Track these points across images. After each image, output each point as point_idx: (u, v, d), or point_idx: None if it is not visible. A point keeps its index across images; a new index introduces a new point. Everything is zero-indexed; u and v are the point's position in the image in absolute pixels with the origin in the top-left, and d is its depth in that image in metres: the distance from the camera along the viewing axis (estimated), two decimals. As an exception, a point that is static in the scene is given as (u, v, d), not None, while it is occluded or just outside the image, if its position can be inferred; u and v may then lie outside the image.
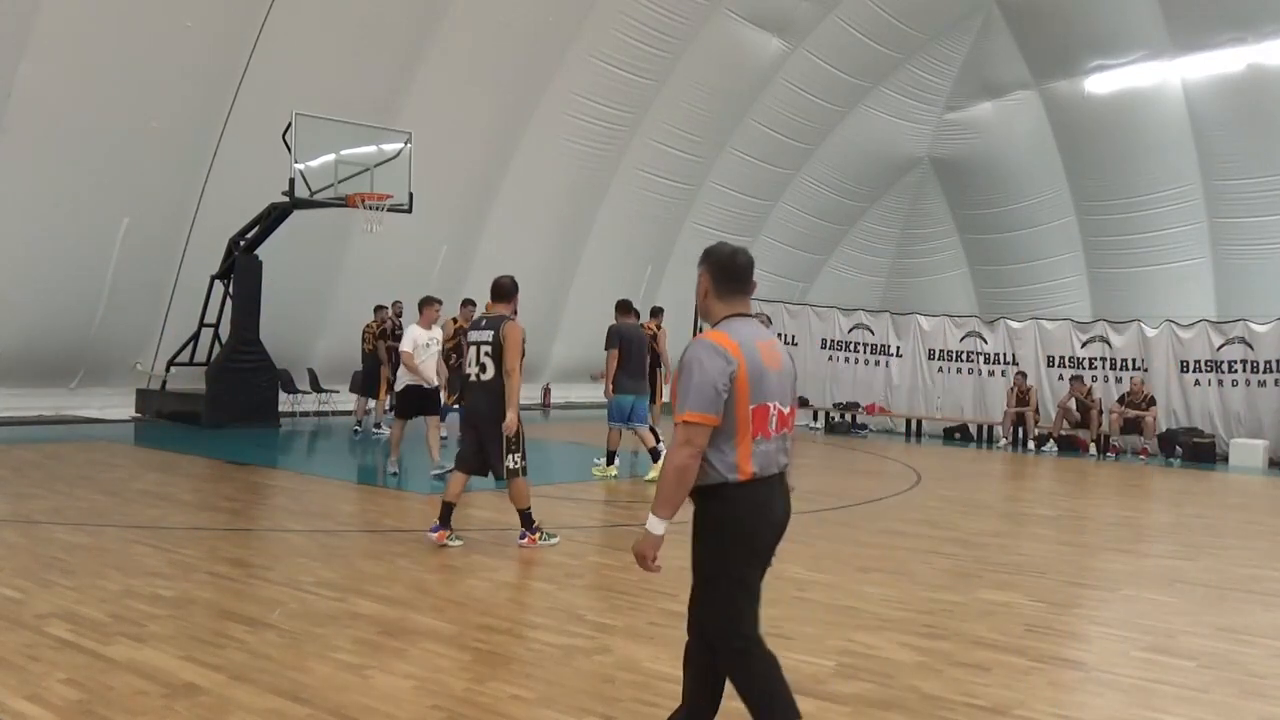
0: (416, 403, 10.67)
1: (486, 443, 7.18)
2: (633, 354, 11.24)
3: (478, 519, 8.58)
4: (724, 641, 3.43)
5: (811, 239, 24.64)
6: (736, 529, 3.35)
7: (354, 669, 4.58)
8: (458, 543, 7.30)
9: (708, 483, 3.34)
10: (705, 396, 3.26)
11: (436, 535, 7.29)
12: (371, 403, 15.16)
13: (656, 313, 14.76)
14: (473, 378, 7.22)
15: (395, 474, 10.67)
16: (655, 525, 3.32)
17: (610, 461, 11.41)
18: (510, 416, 7.03)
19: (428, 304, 10.93)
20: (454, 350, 12.35)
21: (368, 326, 15.17)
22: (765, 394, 3.38)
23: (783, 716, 3.41)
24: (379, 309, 15.38)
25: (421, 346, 10.57)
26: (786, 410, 3.49)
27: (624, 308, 11.50)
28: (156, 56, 13.42)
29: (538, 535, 7.43)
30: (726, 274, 3.52)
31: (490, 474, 7.34)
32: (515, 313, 7.44)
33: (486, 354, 7.14)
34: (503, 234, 18.41)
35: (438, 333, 10.98)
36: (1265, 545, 9.14)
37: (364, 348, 15.19)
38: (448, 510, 7.25)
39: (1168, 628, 5.92)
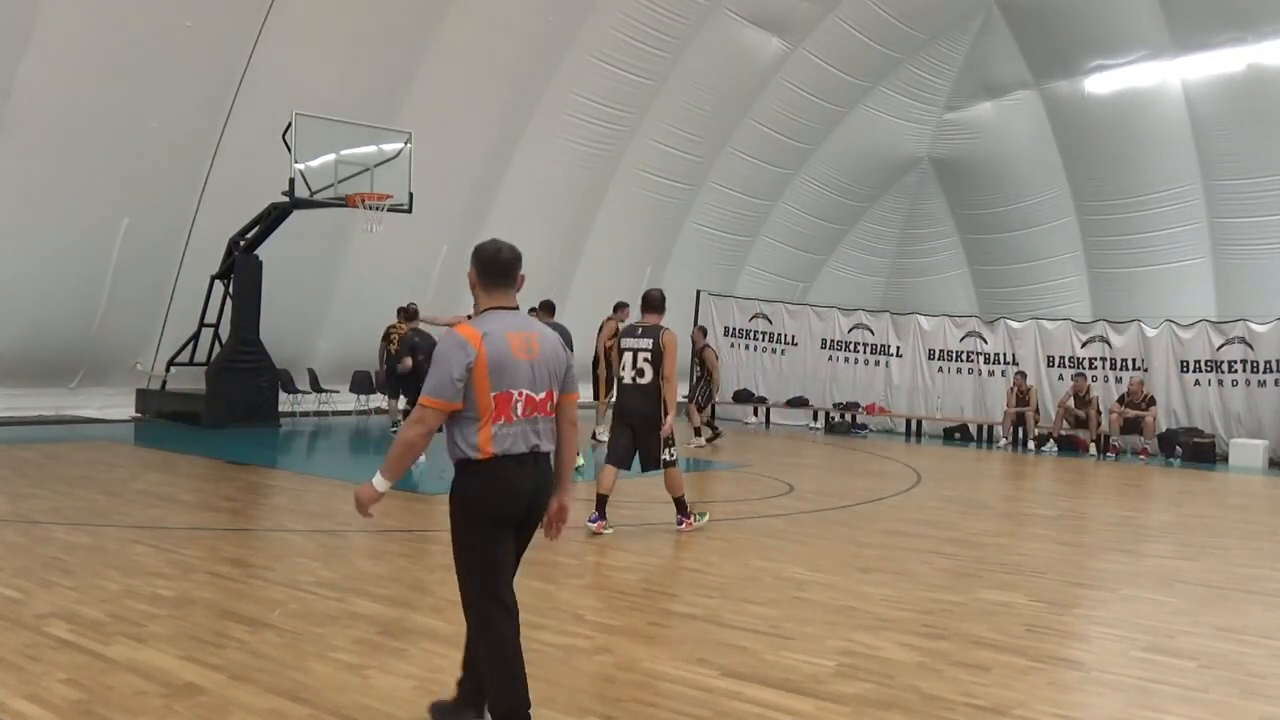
0: None
1: (641, 439, 7.87)
2: None
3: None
4: (464, 598, 3.79)
5: (811, 239, 24.63)
6: (478, 500, 3.71)
7: (354, 669, 4.58)
8: (610, 531, 7.87)
9: (457, 459, 3.73)
10: (442, 384, 3.63)
11: (596, 525, 7.84)
12: (390, 402, 14.99)
13: (616, 308, 14.95)
14: (628, 380, 7.89)
15: None
16: (379, 483, 3.77)
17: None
18: (669, 420, 7.74)
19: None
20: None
21: (396, 328, 14.77)
22: (509, 383, 3.70)
23: (500, 689, 3.72)
24: (406, 311, 15.03)
25: None
26: (540, 396, 3.79)
27: (546, 308, 12.52)
28: (156, 56, 13.41)
29: (693, 518, 8.13)
30: (489, 269, 3.84)
31: (641, 466, 8.04)
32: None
33: (645, 359, 7.81)
34: (503, 234, 17.90)
35: None
36: (1265, 545, 9.14)
37: (390, 349, 14.84)
38: (603, 501, 7.89)
39: (1168, 628, 5.92)
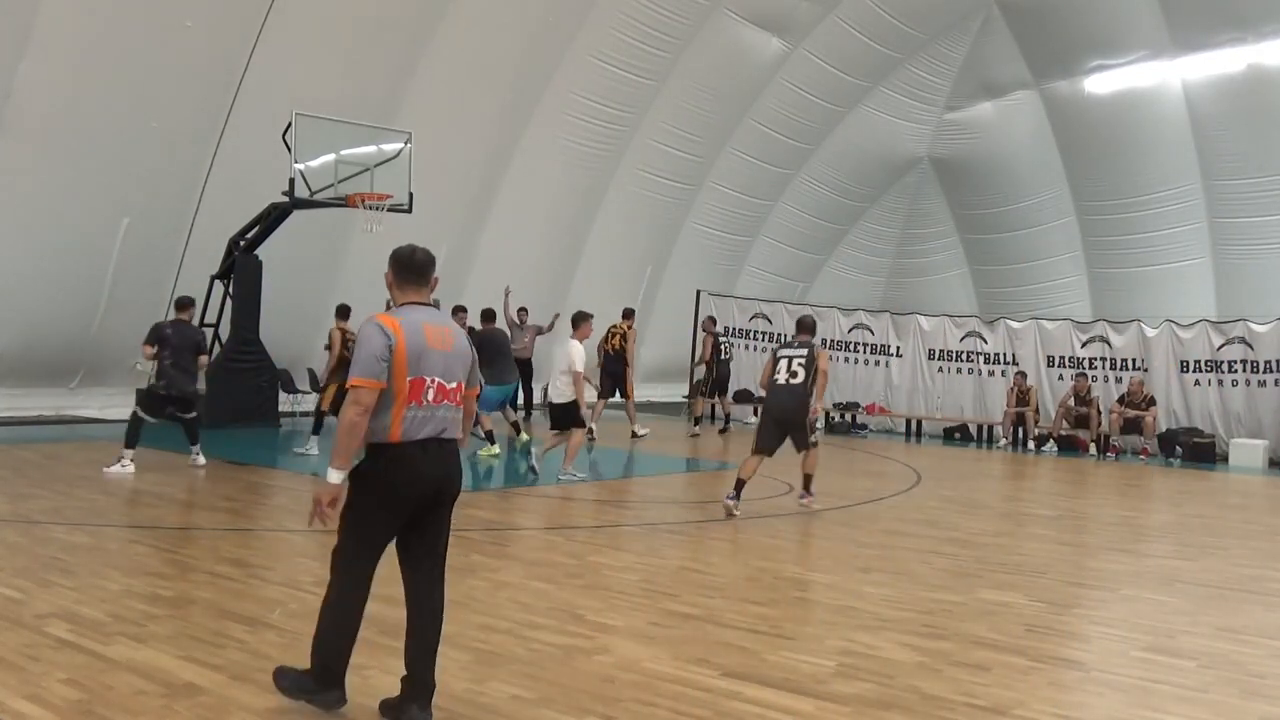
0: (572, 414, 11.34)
1: (792, 428, 9.34)
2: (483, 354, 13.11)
3: (479, 519, 8.58)
4: (332, 560, 4.07)
5: (811, 239, 24.62)
6: (380, 481, 3.94)
7: (354, 669, 4.55)
8: (738, 513, 9.00)
9: (368, 442, 3.97)
10: (369, 365, 3.89)
11: (732, 503, 9.07)
12: None
13: (628, 314, 16.24)
14: (781, 381, 9.41)
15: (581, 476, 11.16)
16: (333, 475, 3.92)
17: (491, 441, 13.00)
18: (817, 406, 9.52)
19: (585, 319, 11.44)
20: None
21: None
22: (424, 370, 3.97)
23: (326, 644, 4.02)
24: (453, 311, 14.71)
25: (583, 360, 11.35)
26: (451, 386, 4.07)
27: (486, 316, 13.74)
28: (156, 56, 13.40)
29: (812, 498, 9.59)
30: (403, 269, 4.16)
31: (796, 448, 9.54)
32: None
33: (800, 364, 9.41)
34: (503, 234, 18.40)
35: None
36: (1265, 545, 9.14)
37: None
38: (741, 484, 9.18)
39: (1168, 628, 5.92)
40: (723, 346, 17.58)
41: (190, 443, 10.88)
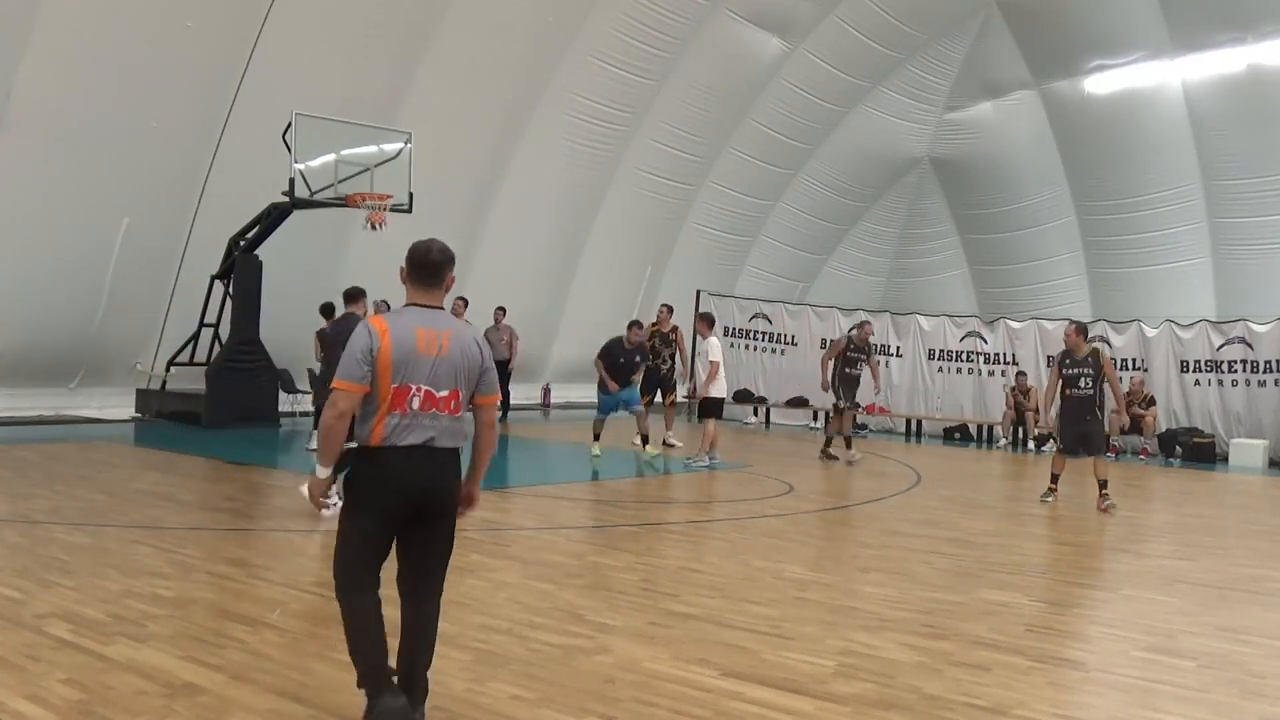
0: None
1: (1094, 434, 10.63)
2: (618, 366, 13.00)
3: (479, 519, 8.58)
4: (335, 575, 3.96)
5: (811, 239, 24.61)
6: (361, 485, 3.84)
7: (354, 669, 4.57)
8: (1050, 500, 10.82)
9: (356, 444, 3.86)
10: (350, 367, 3.76)
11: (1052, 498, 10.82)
12: None
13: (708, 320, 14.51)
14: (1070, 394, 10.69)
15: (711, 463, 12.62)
16: (320, 471, 3.94)
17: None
18: (1125, 417, 11.35)
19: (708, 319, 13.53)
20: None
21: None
22: (410, 376, 3.80)
23: (364, 660, 3.88)
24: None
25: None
26: (441, 394, 3.86)
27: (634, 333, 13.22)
28: (156, 56, 13.41)
29: (1110, 504, 10.41)
30: (414, 266, 3.96)
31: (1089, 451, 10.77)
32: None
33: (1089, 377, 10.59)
34: (503, 234, 18.40)
35: None
36: (1265, 545, 9.14)
37: None
38: (1055, 478, 10.98)
39: (1168, 628, 5.92)
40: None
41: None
